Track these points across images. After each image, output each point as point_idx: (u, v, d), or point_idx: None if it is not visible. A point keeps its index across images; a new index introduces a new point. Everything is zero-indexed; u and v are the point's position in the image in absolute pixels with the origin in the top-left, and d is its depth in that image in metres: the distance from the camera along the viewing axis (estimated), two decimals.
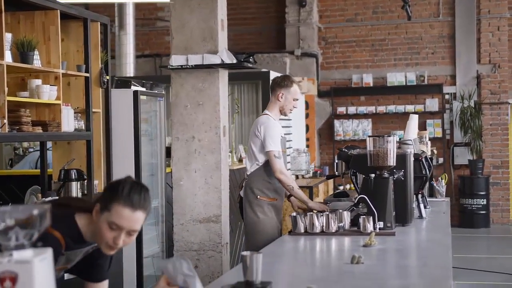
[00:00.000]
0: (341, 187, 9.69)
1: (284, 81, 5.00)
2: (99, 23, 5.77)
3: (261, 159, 4.92)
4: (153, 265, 6.53)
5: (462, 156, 12.05)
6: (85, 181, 5.45)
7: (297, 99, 5.03)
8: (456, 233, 10.84)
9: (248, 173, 5.00)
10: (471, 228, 11.60)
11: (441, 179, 6.47)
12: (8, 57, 4.62)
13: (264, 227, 4.91)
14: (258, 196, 4.93)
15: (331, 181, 10.70)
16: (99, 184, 5.67)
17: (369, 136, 4.38)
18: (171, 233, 5.75)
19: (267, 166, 4.89)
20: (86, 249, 2.71)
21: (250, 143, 4.97)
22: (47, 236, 2.48)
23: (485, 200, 11.74)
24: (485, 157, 12.01)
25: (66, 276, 2.93)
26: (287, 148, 9.22)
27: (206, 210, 5.39)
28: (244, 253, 2.65)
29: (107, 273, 2.88)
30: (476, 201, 11.71)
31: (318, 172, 10.56)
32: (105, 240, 2.57)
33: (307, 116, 11.79)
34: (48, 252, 1.76)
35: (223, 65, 5.33)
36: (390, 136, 4.35)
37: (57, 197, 4.96)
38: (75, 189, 5.31)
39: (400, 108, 12.16)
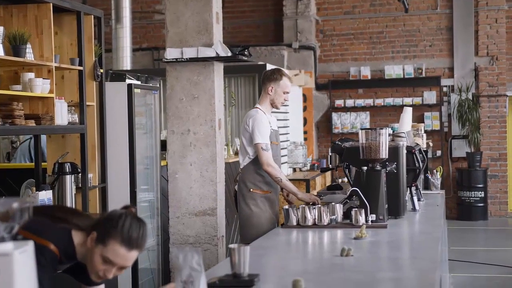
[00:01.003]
0: (339, 180, 9.68)
1: (274, 75, 4.97)
2: (92, 16, 5.76)
3: (252, 152, 4.91)
4: (148, 258, 6.53)
5: (460, 149, 12.04)
6: (79, 174, 5.45)
7: (287, 92, 4.99)
8: (453, 225, 10.87)
9: (241, 167, 5.00)
10: (469, 221, 11.60)
11: (436, 171, 6.47)
12: (0, 51, 4.62)
13: (257, 220, 4.91)
14: (251, 189, 4.93)
15: (328, 174, 10.71)
16: (93, 178, 5.66)
17: (361, 129, 4.38)
18: (166, 226, 5.75)
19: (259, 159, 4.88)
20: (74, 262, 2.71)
21: (241, 137, 4.97)
22: (45, 249, 2.49)
23: (483, 192, 11.73)
24: (483, 149, 12.00)
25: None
26: (284, 141, 9.27)
27: (201, 203, 5.39)
28: (232, 245, 2.67)
29: None
30: (474, 193, 11.71)
31: (316, 165, 10.56)
32: (96, 270, 2.57)
33: (305, 109, 11.79)
34: (29, 245, 1.76)
35: (218, 58, 5.32)
36: (382, 129, 4.34)
37: (53, 205, 4.88)
38: (69, 183, 5.30)
39: (398, 100, 12.14)
